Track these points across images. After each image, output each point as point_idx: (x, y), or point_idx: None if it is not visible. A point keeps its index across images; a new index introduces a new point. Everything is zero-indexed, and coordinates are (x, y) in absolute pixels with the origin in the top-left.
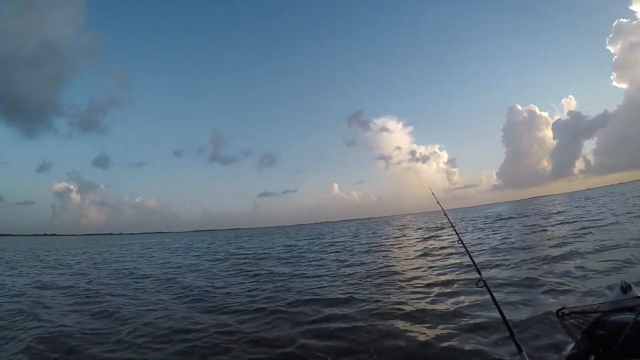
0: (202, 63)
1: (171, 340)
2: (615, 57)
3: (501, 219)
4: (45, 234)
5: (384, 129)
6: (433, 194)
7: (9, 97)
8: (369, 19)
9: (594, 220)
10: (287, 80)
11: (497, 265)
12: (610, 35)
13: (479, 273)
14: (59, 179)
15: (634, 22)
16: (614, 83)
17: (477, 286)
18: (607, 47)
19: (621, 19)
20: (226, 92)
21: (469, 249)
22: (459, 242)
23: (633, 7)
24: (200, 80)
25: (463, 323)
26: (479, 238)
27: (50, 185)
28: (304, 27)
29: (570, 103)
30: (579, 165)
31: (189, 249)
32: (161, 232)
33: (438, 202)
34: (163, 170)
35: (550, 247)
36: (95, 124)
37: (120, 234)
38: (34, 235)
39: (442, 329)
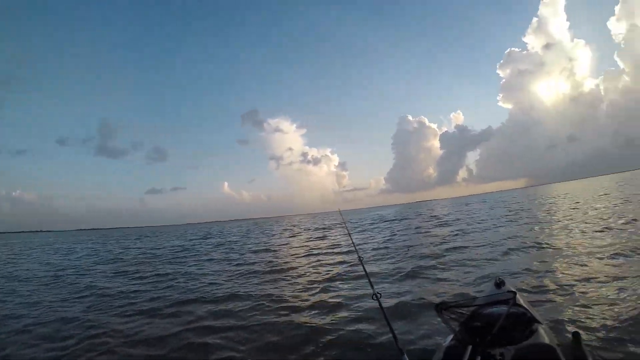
0: (95, 46)
1: (42, 344)
2: (503, 80)
3: (387, 221)
4: None
5: (278, 130)
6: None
7: None
8: (268, 20)
9: (472, 222)
10: (182, 73)
11: (380, 262)
12: (502, 61)
13: (372, 287)
14: None
15: (524, 52)
16: (500, 103)
17: (373, 298)
18: (497, 71)
19: (513, 48)
20: (118, 80)
21: (357, 251)
22: (353, 245)
23: (525, 39)
24: (90, 64)
25: (344, 319)
26: (366, 237)
27: None
28: (200, 20)
29: (458, 117)
30: (462, 173)
31: (71, 249)
32: (42, 231)
33: (341, 214)
34: (45, 161)
35: (431, 245)
36: None
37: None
38: None
39: (323, 324)
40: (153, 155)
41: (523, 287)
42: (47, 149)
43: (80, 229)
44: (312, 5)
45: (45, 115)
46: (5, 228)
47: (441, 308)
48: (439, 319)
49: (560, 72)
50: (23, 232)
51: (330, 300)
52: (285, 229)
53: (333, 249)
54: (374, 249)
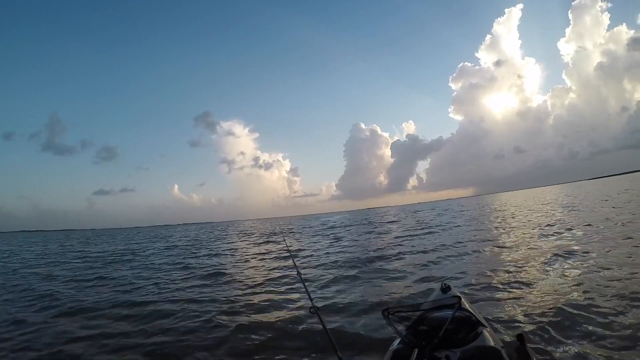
0: (43, 38)
1: None
2: (455, 93)
3: (337, 227)
4: None
5: (230, 133)
6: None
7: None
8: (224, 22)
9: (419, 228)
10: (136, 71)
11: (329, 267)
12: (454, 75)
13: (311, 300)
14: None
15: (477, 67)
16: (451, 114)
17: (311, 312)
18: (450, 84)
19: (466, 62)
20: (69, 74)
21: (301, 261)
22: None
23: (478, 55)
24: (41, 56)
25: (281, 322)
26: (314, 242)
27: None
28: (156, 18)
29: (409, 127)
30: (413, 181)
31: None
32: None
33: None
34: None
35: (376, 250)
36: None
37: None
38: None
39: (258, 327)
40: (102, 154)
41: (467, 291)
42: None
43: (24, 231)
44: (270, 9)
45: None
46: None
47: (388, 313)
48: (385, 323)
49: (510, 88)
50: None
51: (262, 304)
52: (233, 233)
53: (274, 253)
54: (318, 255)
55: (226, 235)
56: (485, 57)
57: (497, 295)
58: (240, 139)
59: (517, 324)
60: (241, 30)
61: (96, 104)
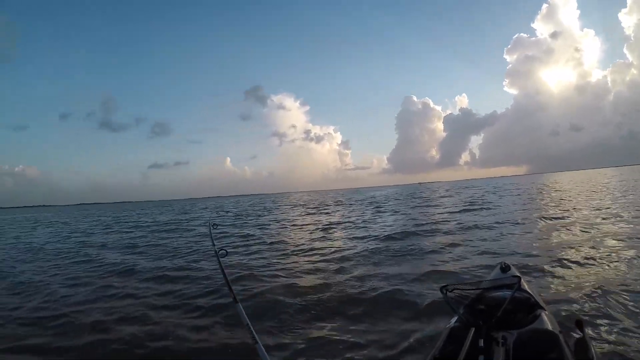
0: (96, 21)
1: None
2: (510, 65)
3: (387, 200)
4: None
5: (281, 106)
6: None
7: None
8: None
9: (474, 203)
10: (184, 47)
11: (386, 241)
12: (509, 46)
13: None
14: None
15: (533, 38)
16: (505, 88)
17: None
18: (504, 56)
19: (521, 34)
20: (121, 54)
21: (366, 227)
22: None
23: (534, 25)
24: (93, 38)
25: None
26: (375, 216)
27: None
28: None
29: (462, 101)
30: (465, 157)
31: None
32: (44, 206)
33: None
34: (48, 136)
35: (430, 224)
36: None
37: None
38: None
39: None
40: (156, 130)
41: (528, 272)
42: (49, 123)
43: (83, 204)
44: None
45: (48, 91)
46: (9, 203)
47: (446, 290)
48: (444, 300)
49: (567, 61)
50: (26, 207)
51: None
52: (286, 205)
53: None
54: (368, 227)
55: (279, 206)
56: (541, 27)
57: (555, 278)
58: (291, 112)
59: (577, 310)
60: (290, 5)
61: (148, 81)
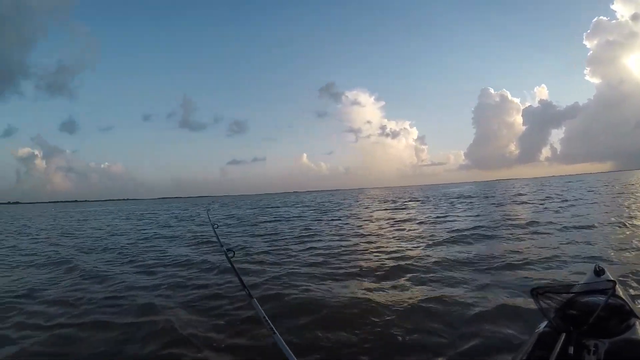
0: (174, 27)
1: None
2: (591, 52)
3: (467, 197)
4: (8, 202)
5: (355, 102)
6: None
7: None
8: None
9: (560, 202)
10: (260, 47)
11: (464, 240)
12: (588, 31)
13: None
14: (23, 144)
15: (614, 21)
16: (587, 77)
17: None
18: (584, 42)
19: (601, 17)
20: (197, 57)
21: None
22: None
23: (614, 7)
24: (171, 44)
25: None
26: (454, 215)
27: (14, 151)
28: None
29: (542, 92)
30: (545, 152)
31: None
32: (128, 199)
33: None
34: (131, 135)
35: (515, 221)
36: (63, 86)
37: (85, 200)
38: None
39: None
40: (234, 128)
41: (623, 278)
42: (133, 124)
43: (165, 197)
44: None
45: (131, 94)
46: (95, 197)
47: (537, 292)
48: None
49: None
50: (111, 200)
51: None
52: (364, 201)
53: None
54: (446, 223)
55: (355, 202)
56: (621, 9)
57: None
58: (366, 108)
59: None
60: (360, 2)
61: (225, 82)
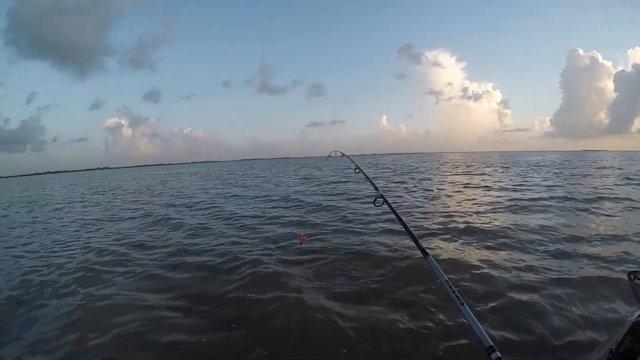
0: None
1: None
2: None
3: (558, 167)
4: (98, 168)
5: (436, 63)
6: None
7: (59, 45)
8: None
9: None
10: (336, 8)
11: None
12: None
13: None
14: (110, 115)
15: None
16: None
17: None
18: None
19: None
20: (274, 21)
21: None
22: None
23: None
24: (247, 11)
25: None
26: (538, 183)
27: (103, 122)
28: None
29: (636, 55)
30: (638, 123)
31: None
32: (210, 161)
33: None
34: (212, 101)
35: (614, 201)
36: (145, 60)
37: (169, 164)
38: (87, 170)
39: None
40: (312, 91)
41: None
42: (213, 91)
43: (246, 159)
44: None
45: (210, 63)
46: (178, 160)
47: (634, 276)
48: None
49: None
50: (194, 162)
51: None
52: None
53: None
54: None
55: (437, 165)
56: None
57: None
58: (447, 69)
59: None
60: None
61: (303, 45)
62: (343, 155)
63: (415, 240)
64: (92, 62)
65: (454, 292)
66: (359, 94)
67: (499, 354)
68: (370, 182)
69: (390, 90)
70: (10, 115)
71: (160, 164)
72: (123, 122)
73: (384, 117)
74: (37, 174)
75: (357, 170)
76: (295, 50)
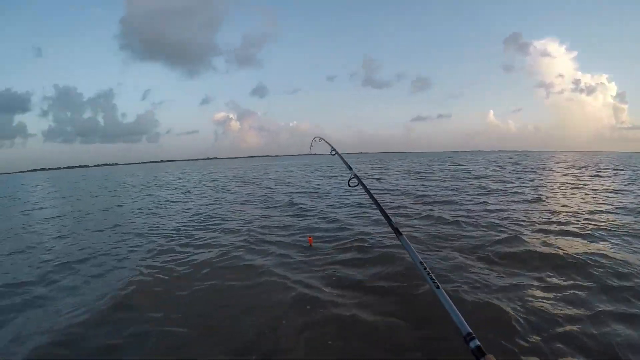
0: None
1: None
2: None
3: None
4: (207, 158)
5: (545, 53)
6: None
7: (170, 46)
8: None
9: None
10: (438, 2)
11: None
12: None
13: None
14: (219, 110)
15: None
16: None
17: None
18: None
19: None
20: (377, 14)
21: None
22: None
23: None
24: (350, 5)
25: None
26: None
27: (212, 115)
28: None
29: None
30: None
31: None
32: (316, 154)
33: None
34: (317, 95)
35: None
36: (251, 58)
37: (276, 155)
38: (197, 159)
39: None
40: (417, 84)
41: None
42: (317, 85)
43: (349, 152)
44: None
45: (315, 57)
46: (285, 152)
47: None
48: None
49: None
50: (299, 155)
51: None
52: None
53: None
54: None
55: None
56: None
57: None
58: (557, 59)
59: None
60: None
61: (406, 38)
62: (321, 139)
63: (388, 219)
64: (201, 62)
65: (428, 274)
66: (465, 87)
67: (478, 342)
68: (345, 163)
69: (497, 83)
70: (127, 110)
71: (267, 156)
72: (231, 115)
73: (491, 111)
74: (152, 162)
75: (333, 153)
76: (399, 43)
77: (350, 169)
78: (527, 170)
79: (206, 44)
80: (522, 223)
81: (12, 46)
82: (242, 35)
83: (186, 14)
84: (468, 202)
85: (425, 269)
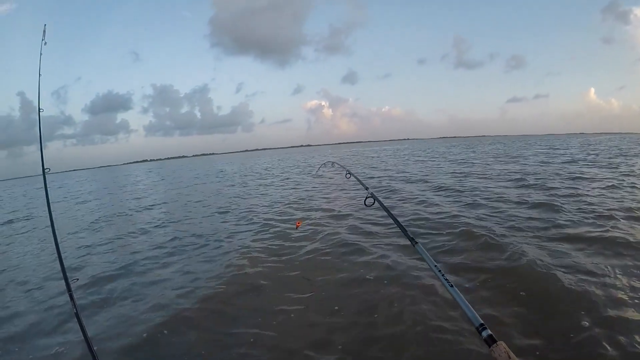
0: None
1: None
2: None
3: None
4: (301, 145)
5: None
6: None
7: (259, 40)
8: None
9: None
10: None
11: None
12: None
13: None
14: (311, 98)
15: None
16: None
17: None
18: None
19: None
20: None
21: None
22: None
23: None
24: None
25: None
26: None
27: (304, 104)
28: None
29: None
30: None
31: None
32: (407, 139)
33: None
34: (408, 80)
35: None
36: (339, 46)
37: (369, 141)
38: (291, 147)
39: None
40: (511, 63)
41: None
42: (408, 70)
43: (445, 137)
44: None
45: (405, 41)
46: (377, 137)
47: None
48: None
49: None
50: (392, 140)
51: None
52: None
53: None
54: None
55: None
56: None
57: None
58: None
59: None
60: None
61: (496, 15)
62: (333, 164)
63: (403, 230)
64: (290, 53)
65: (443, 275)
66: (563, 63)
67: (489, 332)
68: (361, 183)
69: (597, 57)
70: (222, 103)
71: (360, 142)
72: (323, 103)
73: (592, 89)
74: (247, 150)
75: (348, 176)
76: (489, 20)
77: (367, 188)
78: None
79: (294, 35)
80: None
81: (112, 54)
82: (328, 24)
83: (272, 10)
84: None
85: (439, 271)
